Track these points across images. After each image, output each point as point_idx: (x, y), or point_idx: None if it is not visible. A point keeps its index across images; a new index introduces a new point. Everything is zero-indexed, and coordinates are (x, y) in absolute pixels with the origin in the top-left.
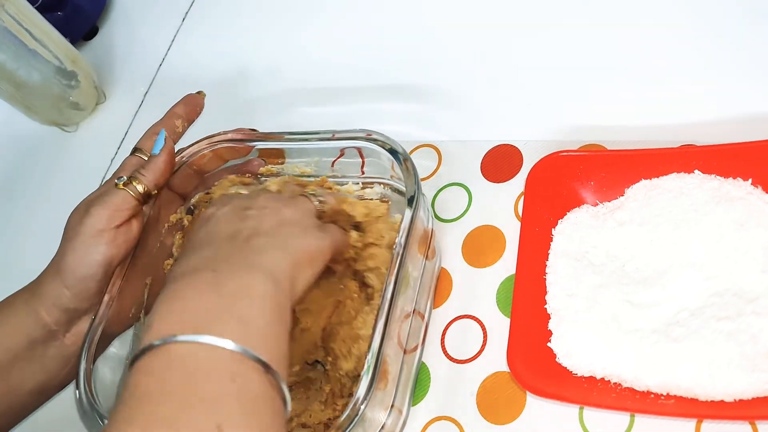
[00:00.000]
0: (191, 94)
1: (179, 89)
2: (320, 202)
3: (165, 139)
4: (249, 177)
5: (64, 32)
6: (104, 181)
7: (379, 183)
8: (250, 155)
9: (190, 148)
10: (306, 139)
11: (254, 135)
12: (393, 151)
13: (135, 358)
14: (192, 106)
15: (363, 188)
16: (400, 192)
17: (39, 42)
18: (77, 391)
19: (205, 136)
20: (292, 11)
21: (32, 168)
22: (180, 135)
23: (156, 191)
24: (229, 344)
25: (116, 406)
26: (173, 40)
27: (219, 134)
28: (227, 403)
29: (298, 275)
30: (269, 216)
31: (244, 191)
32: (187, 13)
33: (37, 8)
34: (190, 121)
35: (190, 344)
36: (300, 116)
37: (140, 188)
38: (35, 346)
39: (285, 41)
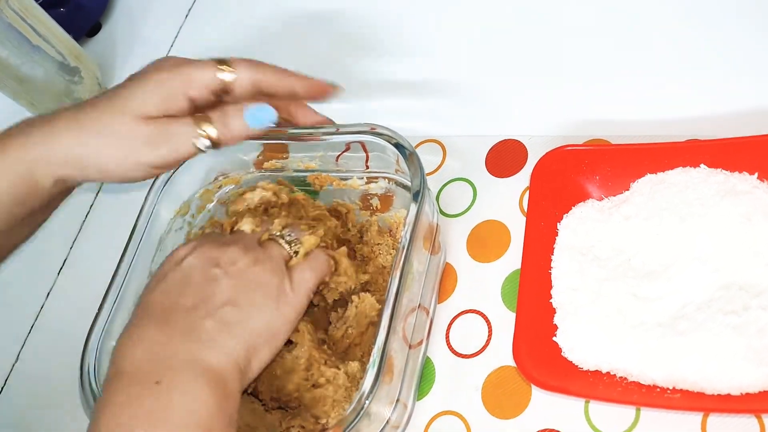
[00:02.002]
0: (325, 82)
1: None
2: (292, 245)
3: (272, 122)
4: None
5: (68, 28)
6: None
7: (384, 178)
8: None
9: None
10: (310, 134)
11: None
12: (398, 146)
13: None
14: (318, 94)
15: (368, 183)
16: (404, 186)
17: (42, 38)
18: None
19: None
20: (294, 7)
21: None
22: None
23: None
24: None
25: None
26: (176, 37)
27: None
28: None
29: (254, 358)
30: (233, 282)
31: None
32: (190, 9)
33: (40, 4)
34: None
35: None
36: None
37: (210, 146)
38: (23, 205)
39: (288, 38)
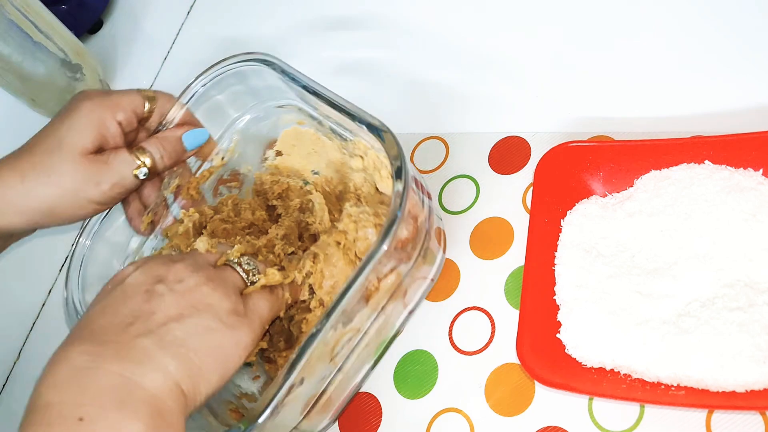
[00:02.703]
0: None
1: (184, 83)
2: (250, 273)
3: (204, 142)
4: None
5: (69, 25)
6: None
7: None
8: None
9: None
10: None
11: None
12: (370, 125)
13: None
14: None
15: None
16: None
17: (44, 35)
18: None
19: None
20: (296, 5)
21: None
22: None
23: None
24: None
25: None
26: (178, 34)
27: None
28: None
29: (201, 380)
30: (178, 299)
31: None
32: (192, 6)
33: (42, 1)
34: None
35: None
36: None
37: (147, 174)
38: None
39: (290, 36)
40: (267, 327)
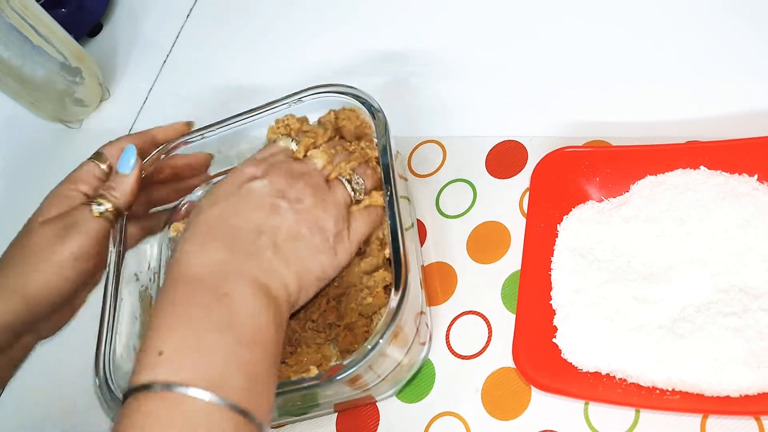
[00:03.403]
0: (179, 122)
1: (183, 87)
2: (354, 189)
3: (135, 158)
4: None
5: (69, 29)
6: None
7: None
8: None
9: (147, 162)
10: (271, 104)
11: (184, 129)
12: (362, 101)
13: (128, 393)
14: (175, 135)
15: None
16: None
17: (44, 38)
18: (96, 379)
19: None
20: (295, 10)
21: (36, 164)
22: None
23: (126, 211)
24: (229, 404)
25: None
26: (177, 38)
27: (158, 128)
28: None
29: (302, 293)
30: (298, 218)
31: (294, 146)
32: (191, 10)
33: (41, 5)
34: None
35: (188, 398)
36: None
37: (113, 210)
38: None
39: (289, 39)
40: (361, 244)
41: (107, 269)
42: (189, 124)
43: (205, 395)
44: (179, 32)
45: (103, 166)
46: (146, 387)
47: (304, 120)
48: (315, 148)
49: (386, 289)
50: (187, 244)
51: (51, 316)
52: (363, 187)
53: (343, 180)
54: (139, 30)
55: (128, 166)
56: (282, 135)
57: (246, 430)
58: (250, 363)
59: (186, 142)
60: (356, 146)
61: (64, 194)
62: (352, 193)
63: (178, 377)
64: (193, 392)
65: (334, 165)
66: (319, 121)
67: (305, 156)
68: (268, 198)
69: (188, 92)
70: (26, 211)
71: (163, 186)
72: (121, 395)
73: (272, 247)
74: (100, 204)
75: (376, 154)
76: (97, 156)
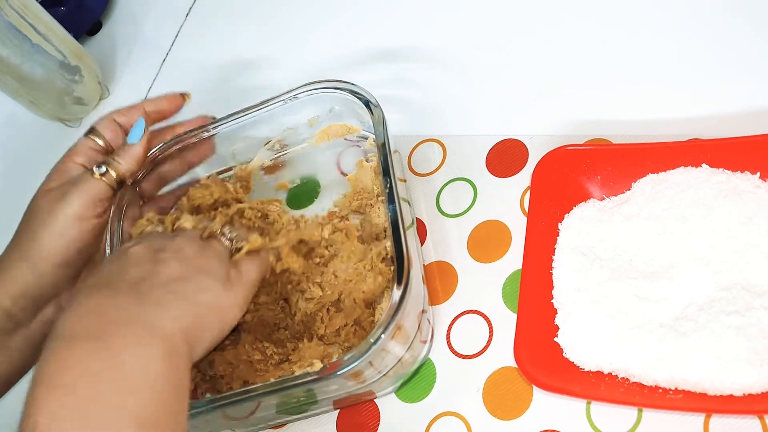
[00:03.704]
0: (174, 93)
1: (182, 85)
2: (230, 239)
3: (144, 129)
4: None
5: (68, 27)
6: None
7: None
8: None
9: (158, 146)
10: (267, 102)
11: (213, 121)
12: (361, 97)
13: None
14: (171, 105)
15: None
16: None
17: (43, 36)
18: None
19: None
20: (295, 7)
21: (35, 163)
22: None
23: (130, 181)
24: None
25: None
26: (176, 36)
27: (180, 124)
28: None
29: (202, 333)
30: (181, 264)
31: (160, 229)
32: (190, 8)
33: (40, 3)
34: (162, 119)
35: None
36: None
37: (115, 176)
38: (1, 338)
39: (288, 37)
40: (257, 289)
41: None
42: (184, 96)
43: None
44: (178, 31)
45: (99, 140)
46: None
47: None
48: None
49: (384, 260)
50: (69, 305)
51: (66, 284)
52: (236, 235)
53: (216, 234)
54: (138, 29)
55: (137, 136)
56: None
57: None
58: (141, 411)
59: (180, 141)
60: (215, 212)
61: (62, 168)
62: (229, 243)
63: None
64: None
65: (202, 226)
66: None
67: (174, 228)
68: (147, 254)
69: (187, 90)
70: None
71: (171, 161)
72: None
73: (158, 287)
74: (100, 166)
75: (239, 206)
76: (92, 131)
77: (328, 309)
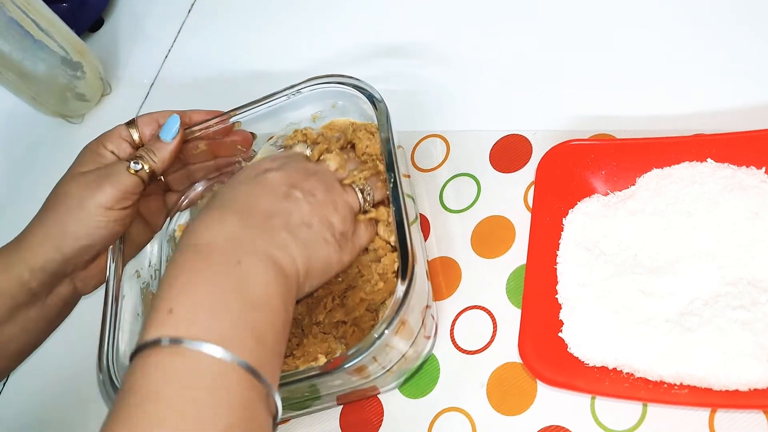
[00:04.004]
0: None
1: (184, 82)
2: (365, 199)
3: (178, 127)
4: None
5: (70, 24)
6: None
7: None
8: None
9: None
10: (269, 99)
11: (217, 116)
12: (364, 91)
13: (138, 350)
14: (208, 117)
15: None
16: None
17: (45, 32)
18: (100, 374)
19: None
20: (298, 3)
21: (37, 159)
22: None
23: (160, 176)
24: (238, 360)
25: (114, 403)
26: (178, 33)
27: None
28: (220, 415)
29: (308, 282)
30: (310, 209)
31: (308, 152)
32: (192, 5)
33: None
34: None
35: (197, 353)
36: None
37: (148, 172)
38: (17, 310)
39: (291, 33)
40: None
41: (108, 267)
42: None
43: (216, 351)
44: (180, 27)
45: (135, 133)
46: (155, 343)
47: (321, 133)
48: (328, 152)
49: (396, 274)
50: (200, 217)
51: (86, 264)
52: (372, 198)
53: (356, 188)
54: (140, 25)
55: (171, 133)
56: (298, 141)
57: (254, 391)
58: (260, 326)
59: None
60: (369, 158)
61: (94, 150)
62: (362, 202)
63: (188, 333)
64: (204, 347)
65: (347, 171)
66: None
67: (319, 160)
68: (283, 186)
69: (189, 87)
70: (28, 205)
71: (198, 155)
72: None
73: (284, 228)
74: (137, 162)
75: (384, 171)
76: (130, 122)
77: (333, 298)
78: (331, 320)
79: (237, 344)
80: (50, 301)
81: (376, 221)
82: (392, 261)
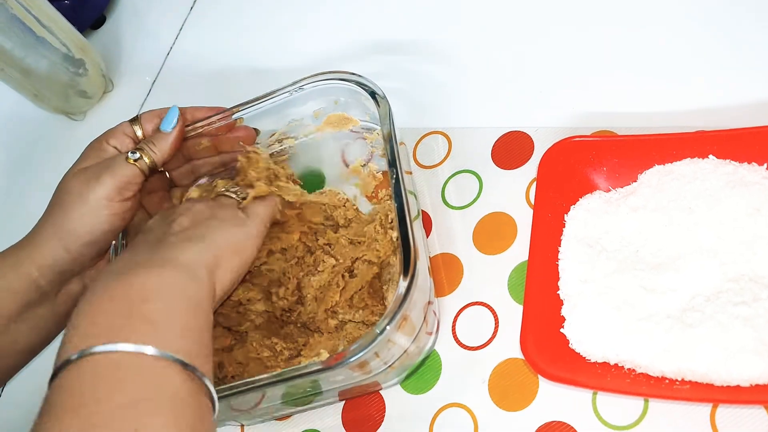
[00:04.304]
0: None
1: (186, 79)
2: (238, 195)
3: (178, 117)
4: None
5: (72, 21)
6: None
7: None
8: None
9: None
10: (271, 96)
11: (219, 112)
12: (366, 87)
13: (53, 376)
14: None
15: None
16: None
17: (47, 29)
18: None
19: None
20: (299, 1)
21: (39, 155)
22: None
23: (161, 168)
24: (140, 348)
25: (32, 427)
26: (180, 30)
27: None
28: (145, 407)
29: (222, 264)
30: (191, 217)
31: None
32: (194, 2)
33: None
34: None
35: (102, 354)
36: None
37: (148, 162)
38: (27, 308)
39: (293, 29)
40: (268, 226)
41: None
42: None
43: (140, 348)
44: (182, 24)
45: (137, 128)
46: (66, 363)
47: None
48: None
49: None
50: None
51: (94, 262)
52: (239, 189)
53: (222, 192)
54: (142, 22)
55: (170, 125)
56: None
57: (186, 377)
58: (151, 315)
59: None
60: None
61: (96, 147)
62: (234, 196)
63: (114, 337)
64: (127, 347)
65: (207, 191)
66: None
67: (182, 202)
68: (160, 221)
69: (191, 83)
70: (30, 202)
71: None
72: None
73: (176, 236)
74: (135, 152)
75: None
76: (134, 119)
77: (343, 275)
78: (347, 296)
79: (134, 334)
80: (60, 299)
81: (279, 197)
82: (385, 215)
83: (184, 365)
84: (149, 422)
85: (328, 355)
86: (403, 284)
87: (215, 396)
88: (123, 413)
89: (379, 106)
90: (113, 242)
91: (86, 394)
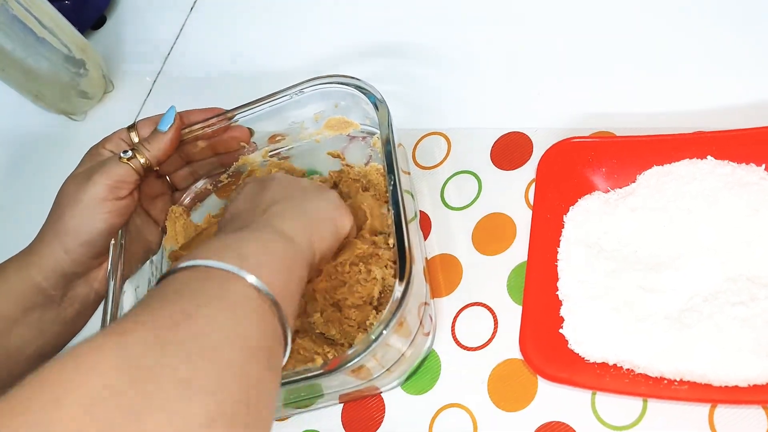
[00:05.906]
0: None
1: (187, 80)
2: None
3: (174, 117)
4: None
5: (73, 21)
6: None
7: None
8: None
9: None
10: (272, 99)
11: (218, 114)
12: (364, 91)
13: (159, 280)
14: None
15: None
16: None
17: (48, 30)
18: None
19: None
20: (299, 2)
21: (40, 156)
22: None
23: (156, 167)
24: (243, 273)
25: (135, 307)
26: (181, 31)
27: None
28: (239, 312)
29: (317, 233)
30: (286, 186)
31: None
32: (195, 3)
33: None
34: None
35: (209, 269)
36: None
37: (142, 162)
38: (33, 312)
39: (293, 32)
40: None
41: (109, 263)
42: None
43: (245, 275)
44: (183, 25)
45: (133, 134)
46: (185, 268)
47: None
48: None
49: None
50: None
51: (92, 262)
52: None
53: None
54: (142, 23)
55: (167, 124)
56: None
57: (270, 312)
58: (258, 268)
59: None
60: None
61: (94, 153)
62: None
63: (223, 261)
64: (234, 269)
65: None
66: None
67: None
68: (253, 189)
69: (192, 84)
70: (31, 203)
71: (198, 152)
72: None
73: (273, 204)
74: (127, 151)
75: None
76: (131, 126)
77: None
78: (326, 319)
79: (243, 264)
80: (66, 303)
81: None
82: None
83: (276, 304)
84: (237, 325)
85: (323, 361)
86: (398, 289)
87: (289, 346)
88: (219, 304)
89: (378, 111)
90: (112, 241)
91: (187, 288)
